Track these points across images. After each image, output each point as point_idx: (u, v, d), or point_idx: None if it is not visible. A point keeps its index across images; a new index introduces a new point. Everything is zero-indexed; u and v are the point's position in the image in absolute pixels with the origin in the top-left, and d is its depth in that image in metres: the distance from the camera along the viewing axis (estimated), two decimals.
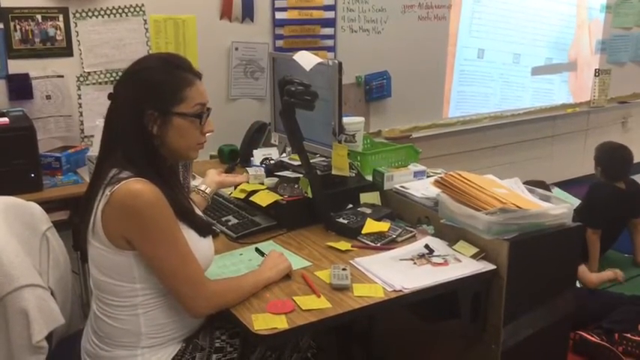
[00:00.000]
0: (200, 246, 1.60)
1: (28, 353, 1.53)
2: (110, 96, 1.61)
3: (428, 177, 2.39)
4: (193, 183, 2.55)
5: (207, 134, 1.67)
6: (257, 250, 1.97)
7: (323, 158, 2.42)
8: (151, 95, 1.53)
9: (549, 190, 3.19)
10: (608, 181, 3.64)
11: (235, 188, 2.39)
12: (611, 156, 3.67)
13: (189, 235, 1.57)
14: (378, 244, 2.01)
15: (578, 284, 3.02)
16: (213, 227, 2.03)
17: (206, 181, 2.13)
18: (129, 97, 1.54)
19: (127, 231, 1.48)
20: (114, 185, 1.47)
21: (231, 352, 1.65)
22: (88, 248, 1.58)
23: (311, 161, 2.21)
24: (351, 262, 1.88)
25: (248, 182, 2.35)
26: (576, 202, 3.67)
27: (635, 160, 3.84)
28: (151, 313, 1.57)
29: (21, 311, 1.52)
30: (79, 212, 1.62)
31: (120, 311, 1.57)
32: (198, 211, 1.74)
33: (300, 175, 2.29)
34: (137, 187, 1.46)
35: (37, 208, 1.81)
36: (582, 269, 3.30)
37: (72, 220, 2.42)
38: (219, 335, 1.66)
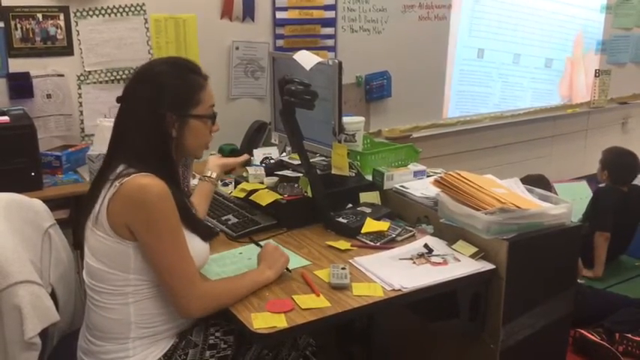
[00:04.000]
0: (198, 248, 1.64)
1: (21, 350, 1.53)
2: (119, 99, 1.64)
3: (428, 177, 2.40)
4: (193, 182, 2.56)
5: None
6: (254, 242, 1.95)
7: (323, 158, 2.42)
8: (169, 99, 1.58)
9: (549, 184, 3.22)
10: (614, 185, 3.65)
11: (236, 187, 2.40)
12: (620, 161, 3.69)
13: (189, 237, 1.60)
14: (378, 244, 2.02)
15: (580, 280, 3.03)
16: (214, 229, 2.06)
17: (209, 167, 2.11)
18: (145, 101, 1.59)
19: (132, 222, 1.51)
20: (123, 178, 1.51)
21: (225, 349, 1.66)
22: (85, 235, 1.61)
23: (311, 161, 2.21)
24: (350, 261, 1.88)
25: (250, 160, 2.37)
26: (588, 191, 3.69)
27: None
28: (141, 303, 1.58)
29: (14, 307, 1.52)
30: (83, 201, 1.65)
31: (110, 299, 1.58)
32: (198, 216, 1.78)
33: (300, 175, 2.29)
34: (147, 180, 1.51)
35: (40, 205, 1.81)
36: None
37: (72, 219, 2.43)
38: (213, 332, 1.67)
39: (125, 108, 1.62)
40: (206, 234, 1.71)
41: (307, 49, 2.42)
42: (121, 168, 1.55)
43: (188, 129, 1.62)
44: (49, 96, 2.83)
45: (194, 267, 1.58)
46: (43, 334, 1.60)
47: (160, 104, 1.57)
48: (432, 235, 2.08)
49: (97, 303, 1.61)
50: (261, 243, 1.92)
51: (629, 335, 2.75)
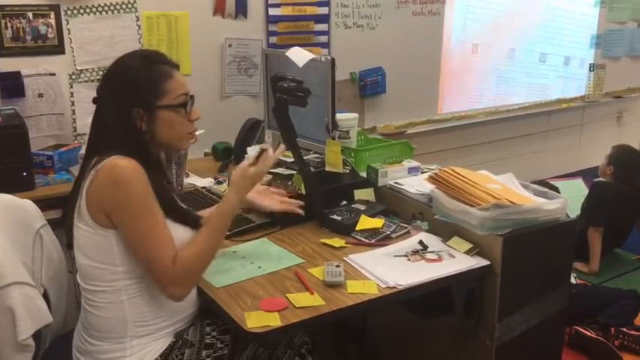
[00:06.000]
0: (182, 236, 1.61)
1: (14, 351, 1.53)
2: (95, 100, 1.63)
3: (422, 173, 2.39)
4: (187, 180, 2.55)
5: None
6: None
7: (317, 155, 2.41)
8: (134, 94, 1.56)
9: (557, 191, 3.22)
10: (616, 182, 3.65)
11: (229, 185, 2.38)
12: (629, 161, 3.69)
13: (171, 225, 1.58)
14: (372, 241, 2.01)
15: (573, 280, 3.03)
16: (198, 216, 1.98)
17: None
18: (112, 99, 1.58)
19: (106, 203, 1.50)
20: (98, 164, 1.51)
21: (222, 349, 1.65)
22: (73, 233, 1.60)
23: (304, 158, 2.20)
24: (344, 258, 1.88)
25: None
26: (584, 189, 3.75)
27: None
28: (134, 300, 1.57)
29: (7, 309, 1.52)
30: (67, 202, 1.63)
31: (104, 298, 1.57)
32: (184, 207, 1.74)
33: (294, 172, 2.28)
34: (118, 161, 1.50)
35: (30, 206, 1.80)
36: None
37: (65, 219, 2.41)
38: (209, 331, 1.66)
39: (98, 107, 1.62)
40: (192, 223, 1.66)
41: (301, 45, 2.41)
42: (95, 159, 1.54)
43: (159, 121, 1.59)
44: (40, 95, 2.81)
45: (169, 250, 1.52)
46: (37, 335, 1.59)
47: (125, 100, 1.56)
48: (427, 231, 2.08)
49: (91, 303, 1.60)
50: (257, 247, 1.91)
51: (625, 329, 2.75)
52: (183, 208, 1.71)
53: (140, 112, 1.57)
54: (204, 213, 1.92)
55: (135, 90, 1.57)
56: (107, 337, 1.59)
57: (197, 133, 2.71)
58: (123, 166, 1.49)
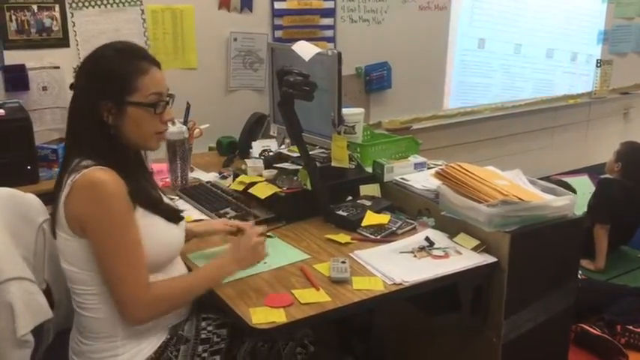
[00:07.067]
0: (169, 233, 1.59)
1: (13, 347, 1.51)
2: (72, 86, 1.60)
3: (428, 169, 2.37)
4: (191, 175, 2.54)
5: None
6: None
7: (322, 150, 2.39)
8: (105, 85, 1.52)
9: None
10: (623, 178, 3.63)
11: (234, 180, 2.37)
12: (636, 157, 3.66)
13: (156, 223, 1.56)
14: (378, 237, 1.99)
15: (580, 276, 3.01)
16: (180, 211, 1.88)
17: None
18: (84, 88, 1.55)
19: (83, 218, 1.46)
20: (76, 174, 1.47)
21: (219, 343, 1.63)
22: (56, 239, 1.57)
23: (310, 153, 2.19)
24: (350, 254, 1.86)
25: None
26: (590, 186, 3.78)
27: None
28: None
29: (6, 305, 1.50)
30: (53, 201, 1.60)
31: (92, 300, 1.54)
32: (167, 200, 1.72)
33: (299, 167, 2.27)
34: (98, 175, 1.45)
35: (34, 200, 1.78)
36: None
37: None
38: (205, 326, 1.64)
39: (74, 93, 1.59)
40: (171, 216, 1.63)
41: (306, 39, 2.39)
42: (75, 161, 1.50)
43: (127, 117, 1.52)
44: (44, 88, 2.80)
45: (143, 272, 1.50)
46: (37, 331, 1.58)
47: (95, 90, 1.52)
48: (433, 227, 2.06)
49: (81, 305, 1.57)
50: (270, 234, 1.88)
51: (631, 327, 2.74)
52: (164, 202, 1.67)
53: (108, 104, 1.51)
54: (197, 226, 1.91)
55: (105, 82, 1.51)
56: (99, 337, 1.57)
57: (202, 127, 2.71)
58: (101, 182, 1.44)
